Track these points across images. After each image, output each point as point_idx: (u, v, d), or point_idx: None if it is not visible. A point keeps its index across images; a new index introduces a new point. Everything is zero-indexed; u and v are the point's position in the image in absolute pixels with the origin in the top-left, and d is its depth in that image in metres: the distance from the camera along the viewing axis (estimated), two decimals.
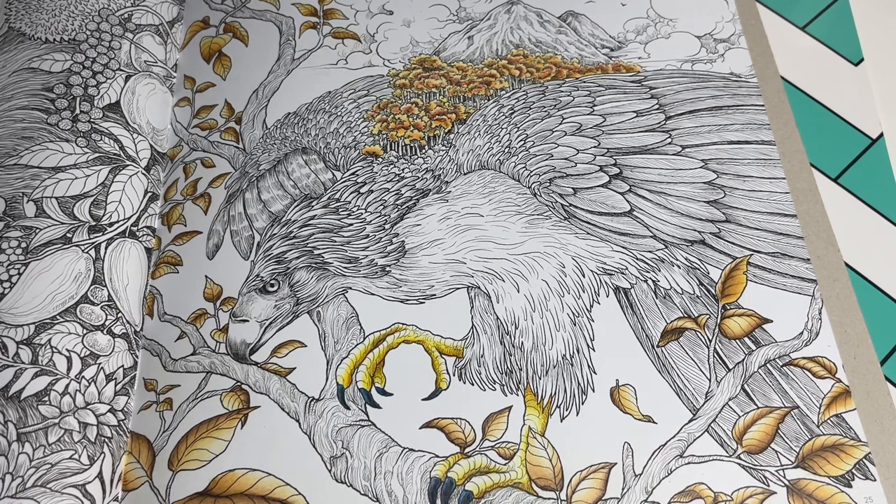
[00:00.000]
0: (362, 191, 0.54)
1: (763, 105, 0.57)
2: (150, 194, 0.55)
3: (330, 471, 0.46)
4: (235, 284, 0.52)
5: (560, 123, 0.55)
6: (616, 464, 0.46)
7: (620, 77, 0.59)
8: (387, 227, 0.53)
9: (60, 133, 0.53)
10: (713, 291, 0.51)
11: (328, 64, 0.61)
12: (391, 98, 0.59)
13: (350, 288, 0.52)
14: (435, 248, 0.52)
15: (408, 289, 0.51)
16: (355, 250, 0.52)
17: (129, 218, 0.53)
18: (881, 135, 0.57)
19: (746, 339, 0.49)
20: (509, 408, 0.48)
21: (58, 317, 0.47)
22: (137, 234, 0.53)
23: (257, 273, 0.52)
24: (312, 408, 0.48)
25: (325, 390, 0.49)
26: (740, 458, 0.45)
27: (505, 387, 0.48)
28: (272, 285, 0.51)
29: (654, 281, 0.51)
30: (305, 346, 0.50)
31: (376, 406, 0.48)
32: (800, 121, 0.57)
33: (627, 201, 0.53)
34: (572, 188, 0.53)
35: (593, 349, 0.49)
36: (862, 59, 0.61)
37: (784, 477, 0.45)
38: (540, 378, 0.48)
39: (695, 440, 0.46)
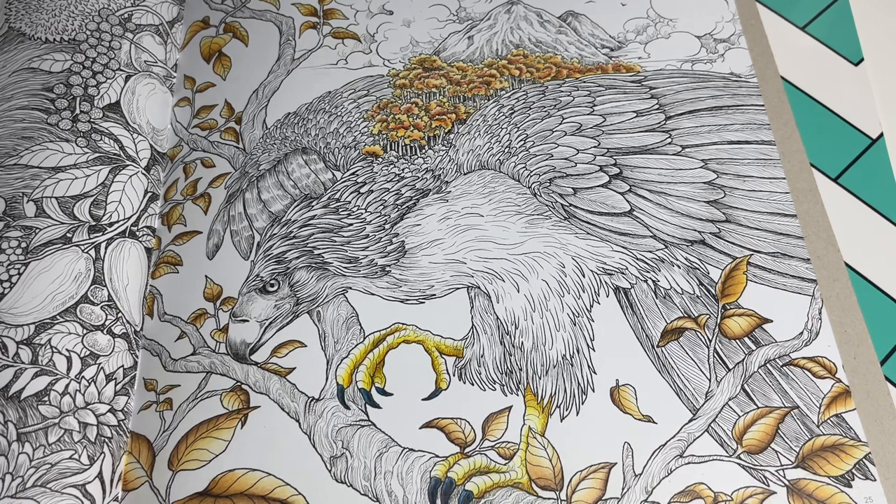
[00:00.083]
0: (362, 191, 0.54)
1: (763, 105, 0.57)
2: (150, 194, 0.55)
3: (330, 471, 0.46)
4: (235, 284, 0.52)
5: (560, 123, 0.55)
6: (616, 464, 0.46)
7: (620, 77, 0.59)
8: (387, 227, 0.53)
9: (60, 133, 0.53)
10: (713, 291, 0.51)
11: (328, 64, 0.61)
12: (391, 98, 0.59)
13: (350, 288, 0.52)
14: (435, 248, 0.52)
15: (408, 289, 0.51)
16: (355, 250, 0.52)
17: (129, 218, 0.53)
18: (881, 135, 0.57)
19: (746, 339, 0.49)
20: (509, 408, 0.48)
21: (58, 317, 0.47)
22: (137, 234, 0.53)
23: (257, 273, 0.52)
24: (312, 408, 0.48)
25: (325, 390, 0.49)
26: (740, 458, 0.45)
27: (505, 387, 0.48)
28: (272, 285, 0.51)
29: (654, 281, 0.51)
30: (305, 346, 0.50)
31: (376, 406, 0.48)
32: (800, 121, 0.57)
33: (627, 201, 0.53)
34: (572, 188, 0.53)
35: (593, 349, 0.49)
36: (862, 59, 0.61)
37: (784, 477, 0.45)
38: (540, 378, 0.48)
39: (695, 440, 0.46)
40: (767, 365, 0.48)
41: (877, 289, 0.51)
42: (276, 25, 0.63)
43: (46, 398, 0.45)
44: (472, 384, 0.48)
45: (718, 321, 0.50)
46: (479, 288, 0.51)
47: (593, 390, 0.48)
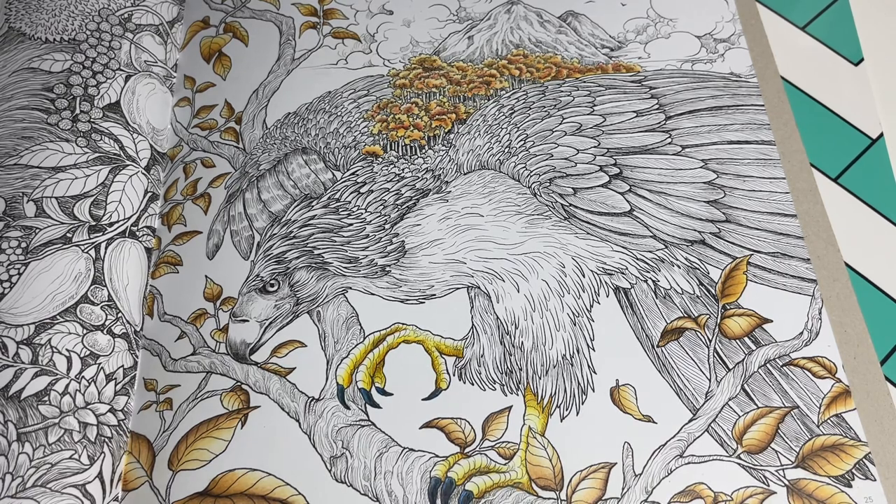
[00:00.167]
0: (362, 191, 0.54)
1: (763, 105, 0.57)
2: (150, 194, 0.55)
3: (330, 471, 0.46)
4: (235, 284, 0.52)
5: (560, 123, 0.55)
6: (616, 464, 0.46)
7: (620, 77, 0.59)
8: (387, 227, 0.53)
9: (60, 133, 0.53)
10: (713, 291, 0.51)
11: (328, 64, 0.61)
12: (391, 98, 0.59)
13: (350, 288, 0.52)
14: (435, 248, 0.52)
15: (408, 289, 0.51)
16: (355, 250, 0.52)
17: (129, 218, 0.53)
18: (881, 135, 0.57)
19: (746, 339, 0.49)
20: (509, 408, 0.48)
21: (58, 317, 0.47)
22: (137, 234, 0.53)
23: (257, 273, 0.52)
24: (312, 408, 0.48)
25: (325, 390, 0.49)
26: (740, 458, 0.45)
27: (505, 387, 0.48)
28: (272, 285, 0.51)
29: (654, 281, 0.51)
30: (305, 346, 0.50)
31: (376, 406, 0.48)
32: (800, 121, 0.57)
33: (627, 201, 0.53)
34: (572, 188, 0.53)
35: (593, 349, 0.49)
36: (862, 59, 0.61)
37: (784, 477, 0.45)
38: (540, 378, 0.48)
39: (695, 440, 0.46)
40: (767, 365, 0.48)
41: (877, 289, 0.51)
42: (276, 25, 0.63)
43: (46, 398, 0.45)
44: (472, 384, 0.48)
45: (718, 321, 0.50)
46: (479, 288, 0.51)
47: (593, 390, 0.48)
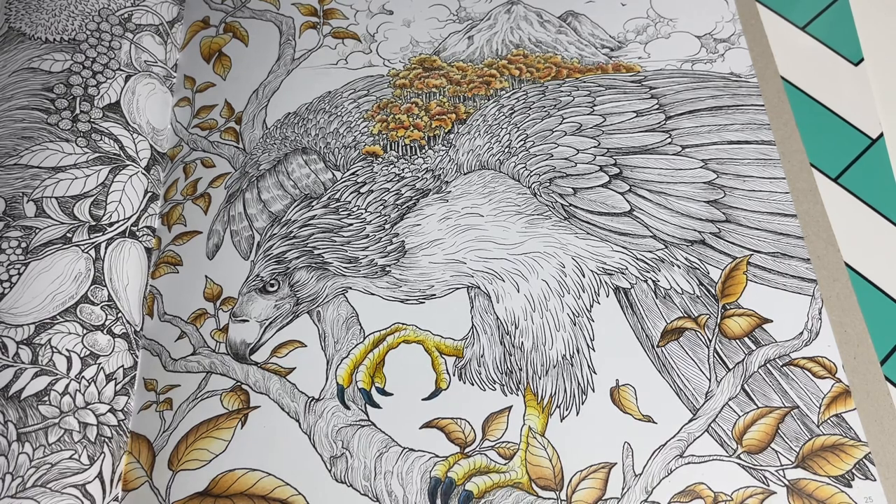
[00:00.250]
0: (362, 191, 0.54)
1: (763, 105, 0.57)
2: (150, 194, 0.55)
3: (330, 471, 0.46)
4: (235, 284, 0.52)
5: (560, 123, 0.55)
6: (616, 464, 0.46)
7: (620, 77, 0.59)
8: (387, 227, 0.53)
9: (60, 133, 0.53)
10: (713, 291, 0.51)
11: (328, 64, 0.61)
12: (391, 98, 0.59)
13: (350, 288, 0.52)
14: (435, 248, 0.52)
15: (408, 289, 0.51)
16: (355, 250, 0.52)
17: (129, 218, 0.53)
18: (881, 135, 0.57)
19: (746, 339, 0.49)
20: (509, 408, 0.48)
21: (58, 317, 0.47)
22: (137, 234, 0.53)
23: (257, 273, 0.52)
24: (312, 408, 0.48)
25: (325, 390, 0.49)
26: (740, 458, 0.45)
27: (505, 387, 0.48)
28: (272, 285, 0.51)
29: (654, 281, 0.51)
30: (305, 346, 0.50)
31: (376, 406, 0.48)
32: (800, 121, 0.57)
33: (627, 201, 0.53)
34: (572, 188, 0.53)
35: (593, 349, 0.49)
36: (862, 59, 0.61)
37: (784, 477, 0.45)
38: (540, 378, 0.48)
39: (695, 440, 0.46)
40: (767, 365, 0.48)
41: (877, 289, 0.51)
42: (276, 25, 0.63)
43: (46, 398, 0.45)
44: (472, 384, 0.48)
45: (718, 321, 0.50)
46: (479, 288, 0.51)
47: (593, 390, 0.48)
